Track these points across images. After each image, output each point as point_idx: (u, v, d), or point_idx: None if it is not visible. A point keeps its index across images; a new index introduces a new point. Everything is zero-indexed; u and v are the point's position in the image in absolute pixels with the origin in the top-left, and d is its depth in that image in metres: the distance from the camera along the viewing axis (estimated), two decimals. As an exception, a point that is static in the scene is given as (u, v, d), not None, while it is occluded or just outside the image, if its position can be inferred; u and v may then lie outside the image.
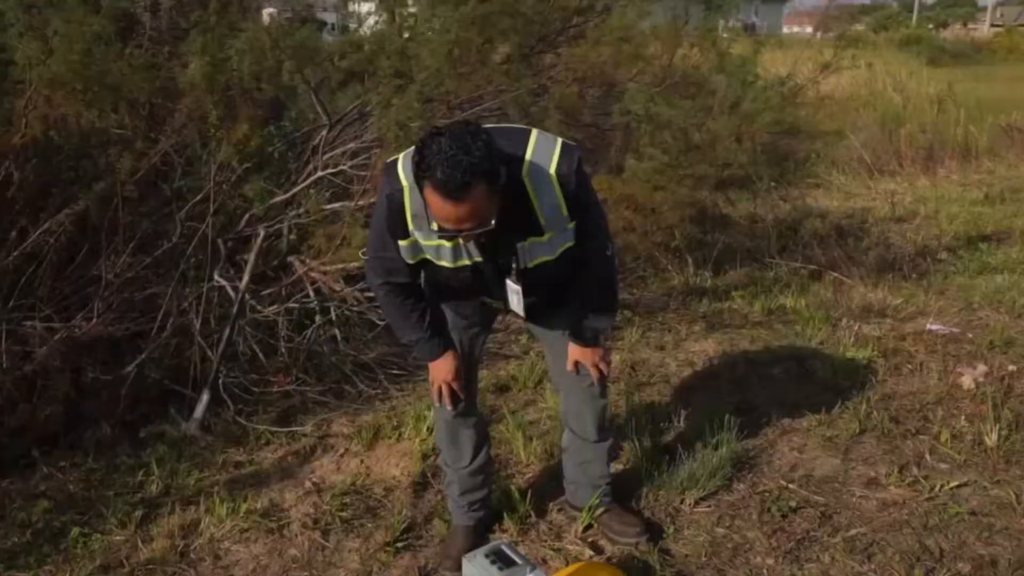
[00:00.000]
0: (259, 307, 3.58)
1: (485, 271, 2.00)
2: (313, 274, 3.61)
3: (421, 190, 1.76)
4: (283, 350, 3.56)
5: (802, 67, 5.43)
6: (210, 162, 3.64)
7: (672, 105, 3.80)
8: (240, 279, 3.46)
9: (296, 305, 3.61)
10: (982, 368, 3.50)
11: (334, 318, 3.69)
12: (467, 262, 1.97)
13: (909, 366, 3.60)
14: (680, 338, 3.96)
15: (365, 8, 4.72)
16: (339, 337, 3.66)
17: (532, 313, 2.14)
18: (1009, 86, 16.84)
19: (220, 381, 3.28)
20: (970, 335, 3.92)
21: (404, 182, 1.88)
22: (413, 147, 1.89)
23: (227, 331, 3.30)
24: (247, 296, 3.49)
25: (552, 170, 1.87)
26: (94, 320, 3.36)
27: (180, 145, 3.81)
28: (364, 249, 2.11)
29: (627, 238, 3.72)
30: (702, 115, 4.35)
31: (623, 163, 3.94)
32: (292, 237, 3.75)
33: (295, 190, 3.74)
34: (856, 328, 3.95)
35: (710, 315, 4.25)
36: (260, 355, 3.47)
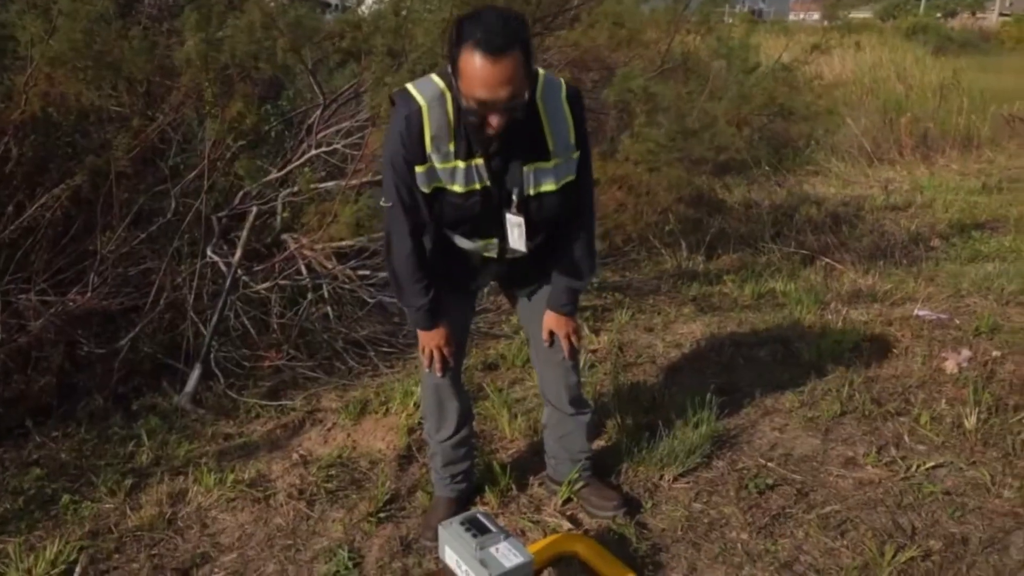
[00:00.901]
0: (252, 283, 3.62)
1: (492, 197, 2.01)
2: (305, 251, 3.65)
3: (457, 59, 1.78)
4: (275, 326, 3.61)
5: (801, 50, 5.44)
6: (205, 139, 3.68)
7: (669, 88, 3.81)
8: (233, 255, 3.50)
9: (288, 282, 3.65)
10: (966, 353, 3.53)
11: (326, 295, 3.73)
12: (477, 186, 1.98)
13: (894, 350, 3.64)
14: (669, 320, 3.99)
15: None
16: (331, 314, 3.71)
17: (522, 273, 2.17)
18: (1015, 76, 16.77)
19: (212, 356, 3.33)
20: (957, 321, 3.95)
21: (422, 102, 1.91)
22: (421, 77, 1.99)
23: (219, 306, 3.35)
24: (240, 272, 3.53)
25: (563, 92, 1.98)
26: (88, 294, 3.41)
27: (177, 122, 3.85)
28: (384, 199, 2.09)
29: (618, 218, 3.75)
30: (697, 96, 4.38)
31: (617, 146, 3.96)
32: (285, 215, 3.79)
33: (289, 168, 3.78)
34: (844, 312, 3.98)
35: (700, 298, 4.28)
36: (252, 331, 3.52)
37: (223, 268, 3.48)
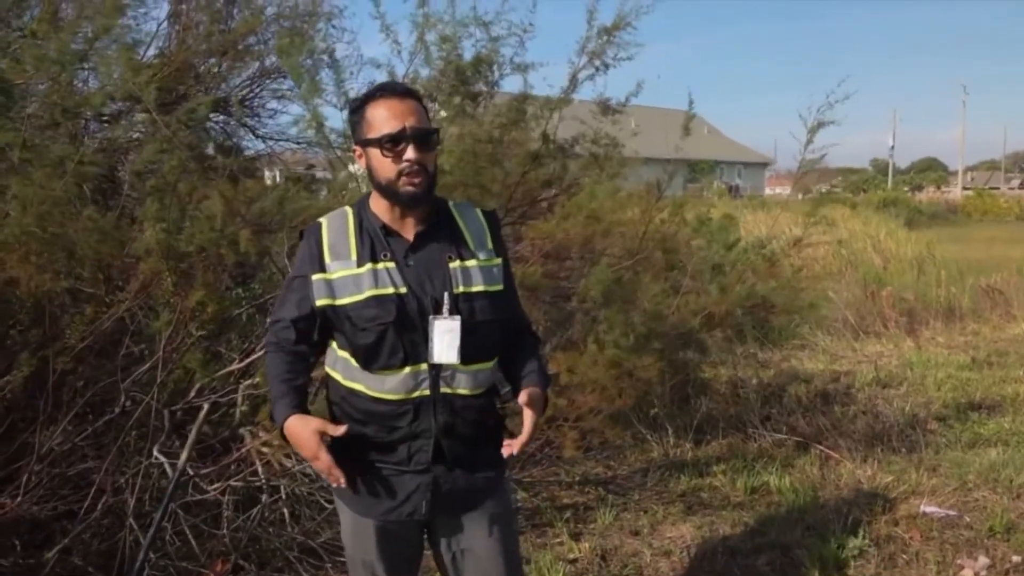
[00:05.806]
0: (202, 484, 3.32)
1: (410, 303, 1.84)
2: (263, 448, 3.38)
3: (363, 116, 1.84)
4: (225, 532, 3.28)
5: (782, 228, 5.47)
6: (162, 328, 3.51)
7: (642, 288, 3.74)
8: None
9: (241, 483, 3.35)
10: (983, 560, 3.23)
11: (283, 496, 3.42)
12: (391, 290, 1.84)
13: (904, 556, 3.32)
14: (656, 521, 3.67)
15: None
16: (287, 517, 3.39)
17: (464, 439, 1.91)
18: (986, 247, 17.32)
19: (146, 573, 2.98)
20: (967, 518, 3.66)
21: (322, 219, 1.95)
22: None
23: (158, 515, 3.03)
24: (190, 472, 3.24)
25: (477, 208, 2.02)
26: (19, 498, 3.10)
27: (136, 308, 3.69)
28: (271, 316, 2.05)
29: (591, 421, 3.53)
30: (678, 279, 4.31)
31: (586, 337, 3.80)
32: (244, 408, 3.55)
33: (251, 359, 3.58)
34: (845, 511, 3.68)
35: (689, 493, 3.98)
36: (192, 540, 3.18)
37: (168, 470, 3.20)
